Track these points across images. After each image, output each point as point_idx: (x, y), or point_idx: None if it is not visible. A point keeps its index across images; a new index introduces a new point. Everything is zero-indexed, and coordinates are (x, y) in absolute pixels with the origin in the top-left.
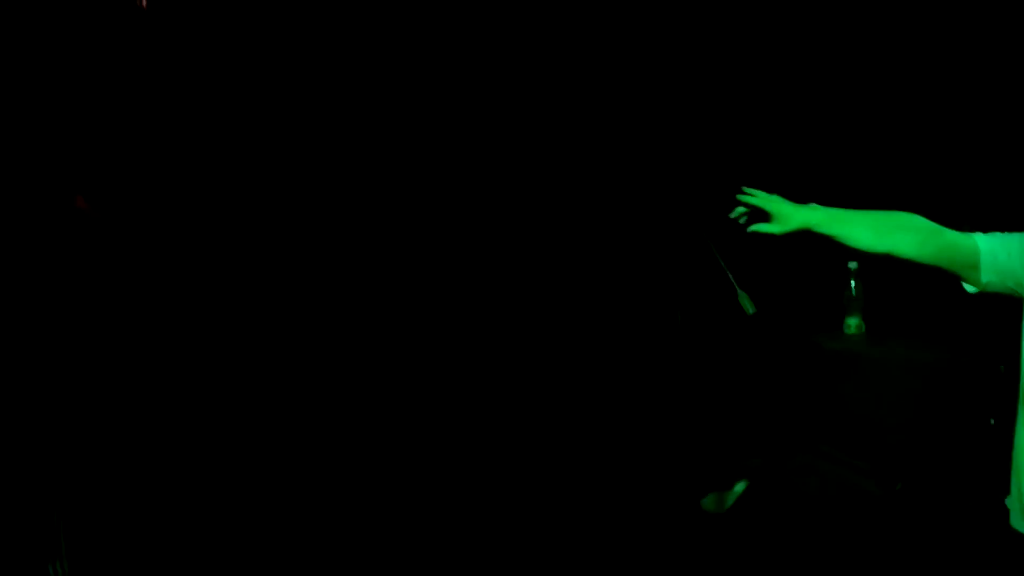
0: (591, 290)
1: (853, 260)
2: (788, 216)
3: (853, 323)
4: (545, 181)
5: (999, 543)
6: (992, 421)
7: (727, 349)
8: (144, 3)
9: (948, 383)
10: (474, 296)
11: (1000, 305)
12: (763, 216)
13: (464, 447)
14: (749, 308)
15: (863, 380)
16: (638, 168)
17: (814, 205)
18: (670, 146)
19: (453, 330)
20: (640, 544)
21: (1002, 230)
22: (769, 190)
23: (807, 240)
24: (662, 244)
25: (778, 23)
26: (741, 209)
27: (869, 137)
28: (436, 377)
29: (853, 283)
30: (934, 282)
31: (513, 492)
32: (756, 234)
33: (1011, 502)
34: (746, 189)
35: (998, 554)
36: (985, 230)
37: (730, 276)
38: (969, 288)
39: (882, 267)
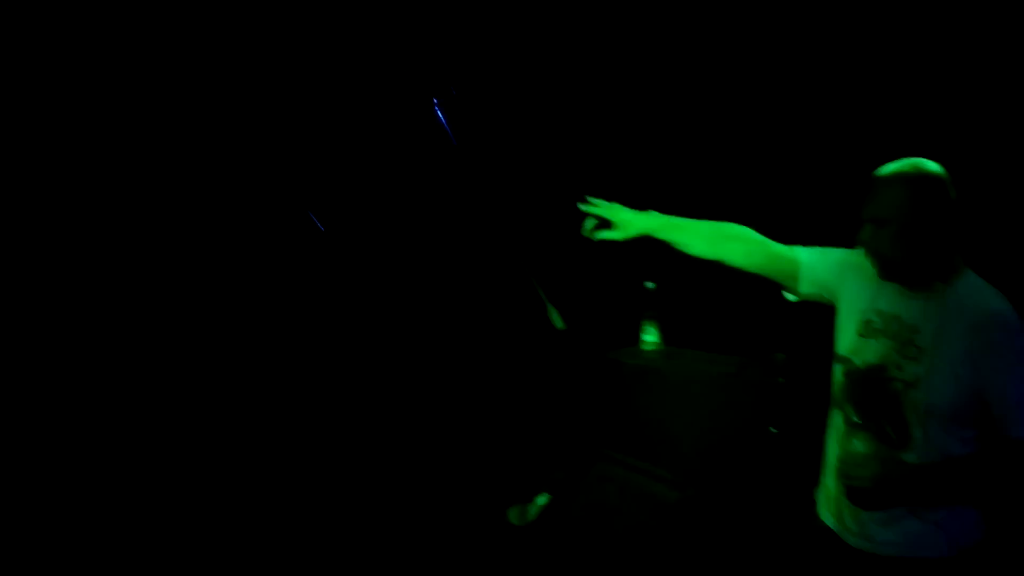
0: (409, 298)
1: (651, 281)
2: (628, 223)
3: (650, 339)
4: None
5: (805, 536)
6: (773, 430)
7: (533, 363)
8: None
9: (735, 395)
10: None
11: (782, 317)
12: (605, 224)
13: None
14: (559, 323)
15: (659, 393)
16: (462, 179)
17: (653, 212)
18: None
19: None
20: (445, 555)
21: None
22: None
23: (609, 254)
24: (480, 257)
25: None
26: (591, 221)
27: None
28: None
29: (651, 301)
30: (725, 298)
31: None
32: (562, 249)
33: (818, 494)
34: (589, 199)
35: (804, 546)
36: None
37: (541, 292)
38: (789, 296)
39: (677, 287)
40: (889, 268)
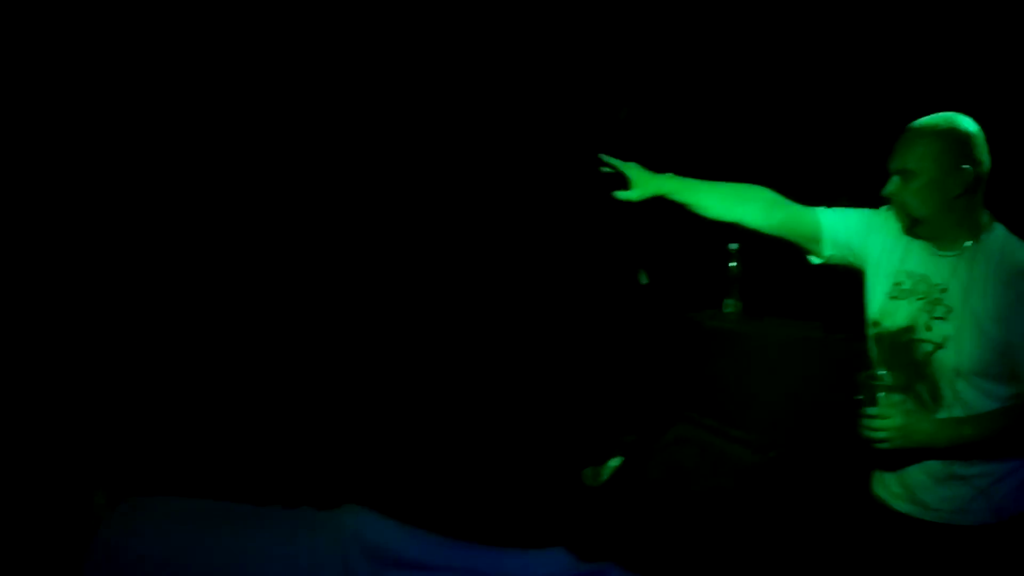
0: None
1: (734, 242)
2: (644, 182)
3: (731, 302)
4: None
5: (861, 508)
6: (859, 397)
7: (607, 324)
8: None
9: (819, 359)
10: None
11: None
12: (622, 183)
13: None
14: (643, 278)
15: (740, 356)
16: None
17: (670, 175)
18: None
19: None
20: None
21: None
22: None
23: (678, 216)
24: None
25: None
26: (605, 170)
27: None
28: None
29: (733, 263)
30: (806, 264)
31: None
32: (643, 209)
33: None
34: (603, 157)
35: (860, 518)
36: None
37: (636, 248)
38: (813, 260)
39: (761, 249)
40: (915, 224)
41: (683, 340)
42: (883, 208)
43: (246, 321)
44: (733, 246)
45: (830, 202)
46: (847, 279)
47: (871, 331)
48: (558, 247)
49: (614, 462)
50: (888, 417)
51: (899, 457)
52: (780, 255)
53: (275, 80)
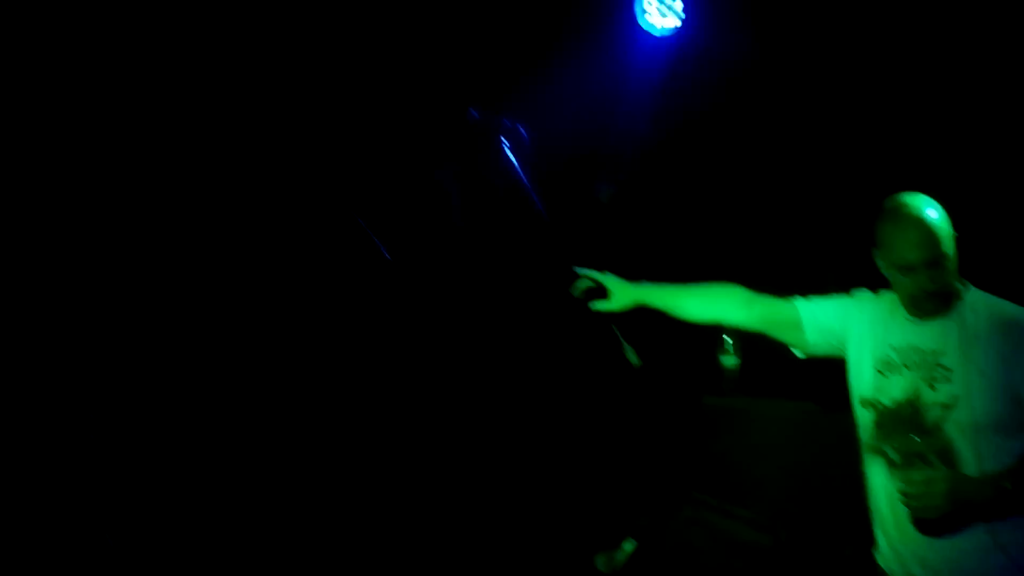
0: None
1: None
2: (621, 292)
3: (733, 380)
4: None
5: None
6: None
7: (614, 404)
8: None
9: (822, 435)
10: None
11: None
12: (599, 292)
13: None
14: (635, 360)
15: (744, 434)
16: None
17: (644, 282)
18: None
19: None
20: None
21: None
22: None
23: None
24: (552, 300)
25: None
26: (582, 284)
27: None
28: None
29: (732, 342)
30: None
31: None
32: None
33: (875, 551)
34: (578, 270)
35: None
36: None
37: (616, 331)
38: (798, 353)
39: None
40: (933, 300)
41: (686, 421)
42: (856, 291)
43: (246, 321)
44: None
45: (809, 286)
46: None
47: (864, 411)
48: (554, 344)
49: (628, 546)
50: (935, 482)
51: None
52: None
53: (273, 80)
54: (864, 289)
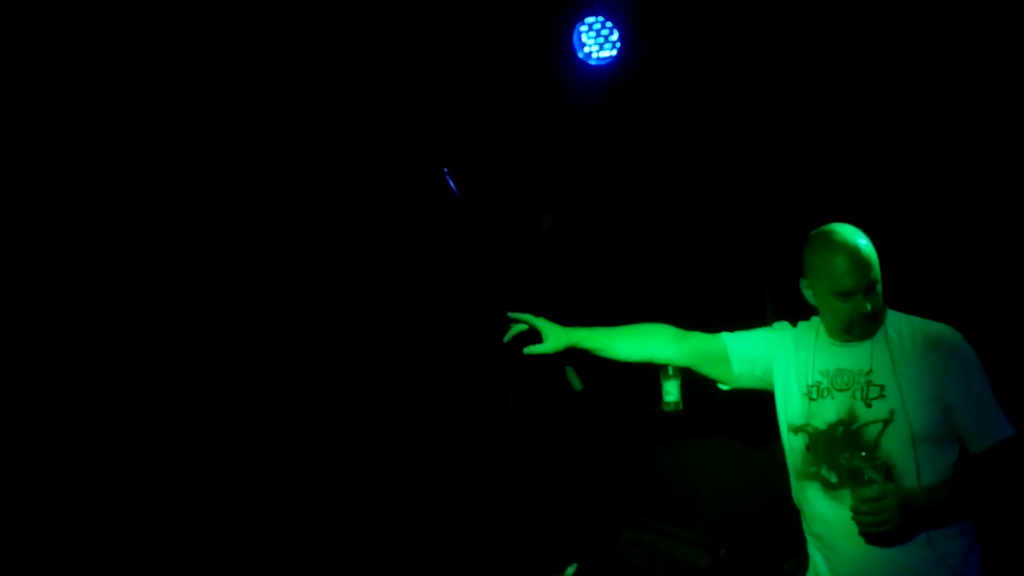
0: (419, 367)
1: None
2: (555, 335)
3: (671, 400)
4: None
5: None
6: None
7: (555, 427)
8: None
9: (760, 451)
10: None
11: None
12: (533, 336)
13: None
14: (577, 384)
15: (682, 453)
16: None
17: (578, 327)
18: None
19: None
20: None
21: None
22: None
23: (626, 315)
24: (491, 322)
25: None
26: (517, 328)
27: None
28: None
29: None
30: None
31: None
32: (585, 311)
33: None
34: (511, 315)
35: None
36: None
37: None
38: (722, 386)
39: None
40: (869, 324)
41: (625, 440)
42: (776, 323)
43: (246, 322)
44: None
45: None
46: None
47: (796, 436)
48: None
49: (570, 570)
50: (886, 497)
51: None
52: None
53: (273, 80)
54: (784, 322)
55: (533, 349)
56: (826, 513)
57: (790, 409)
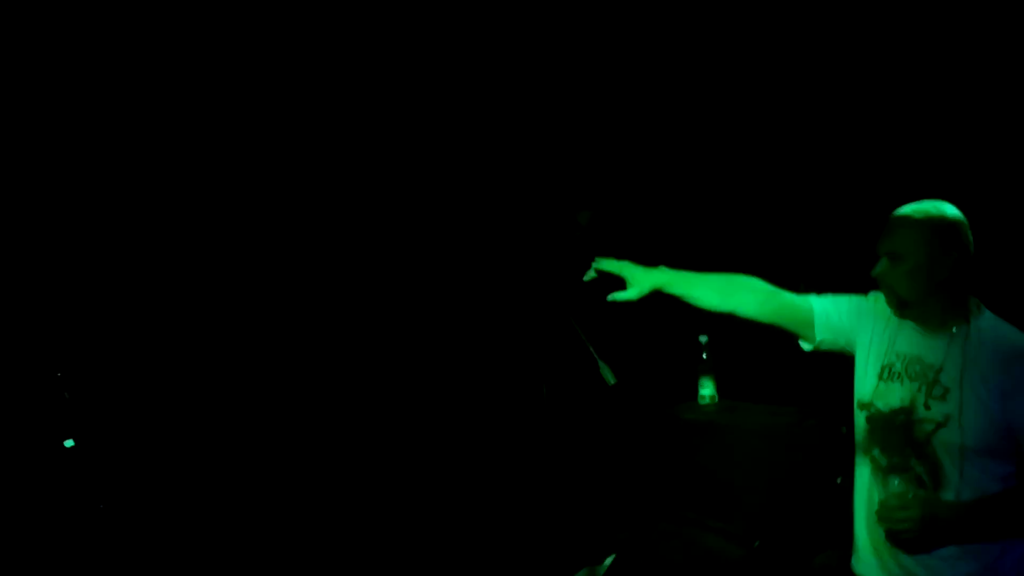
0: (456, 364)
1: (704, 334)
2: (639, 279)
3: (707, 393)
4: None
5: None
6: (839, 480)
7: (590, 421)
8: None
9: (796, 445)
10: None
11: (836, 368)
12: (618, 283)
13: None
14: (610, 379)
15: (718, 446)
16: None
17: (663, 268)
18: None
19: None
20: None
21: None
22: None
23: (660, 310)
24: (526, 318)
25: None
26: (593, 273)
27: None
28: None
29: (705, 355)
30: (779, 350)
31: None
32: (614, 307)
33: (856, 560)
34: (598, 259)
35: None
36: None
37: (591, 348)
38: (805, 345)
39: (731, 339)
40: (903, 306)
41: (661, 434)
42: (872, 293)
43: (246, 322)
44: (703, 338)
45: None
46: (817, 367)
47: (861, 413)
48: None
49: (608, 560)
50: (910, 508)
51: (907, 540)
52: (751, 343)
53: (274, 80)
54: (879, 292)
55: (618, 296)
56: (869, 493)
57: (864, 384)
